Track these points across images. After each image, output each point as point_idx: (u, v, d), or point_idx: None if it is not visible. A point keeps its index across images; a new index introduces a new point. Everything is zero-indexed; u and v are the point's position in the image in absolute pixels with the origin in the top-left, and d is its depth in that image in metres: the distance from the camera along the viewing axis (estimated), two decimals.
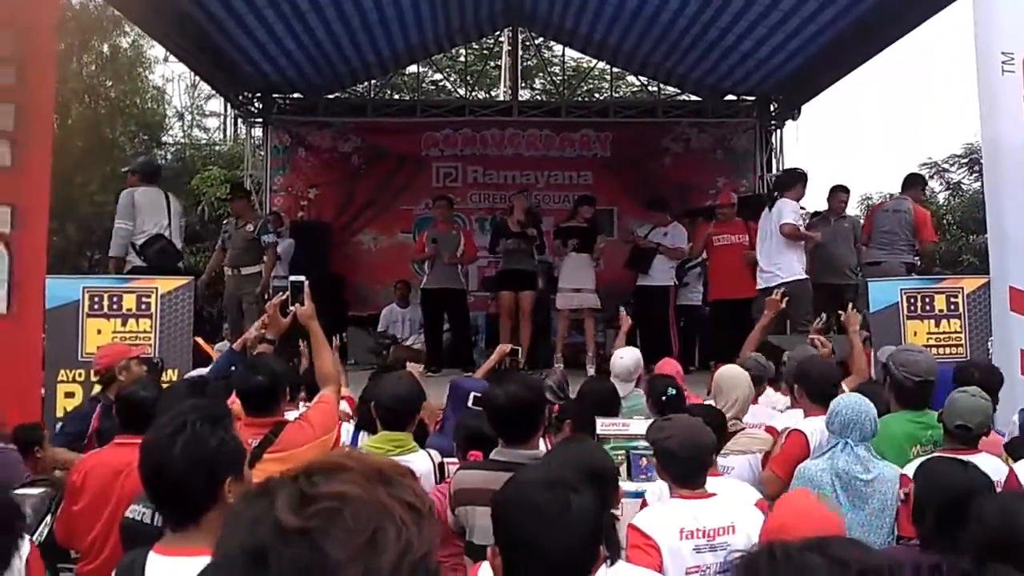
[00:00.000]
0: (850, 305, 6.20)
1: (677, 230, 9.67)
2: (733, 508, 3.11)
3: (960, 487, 2.76)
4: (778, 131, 12.66)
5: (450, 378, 7.30)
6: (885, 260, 8.17)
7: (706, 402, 4.69)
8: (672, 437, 3.18)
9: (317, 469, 0.98)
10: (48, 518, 4.00)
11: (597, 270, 9.37)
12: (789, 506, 2.76)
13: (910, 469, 3.58)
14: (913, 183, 8.80)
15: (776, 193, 8.59)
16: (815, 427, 4.06)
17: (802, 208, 10.26)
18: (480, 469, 3.32)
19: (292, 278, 4.32)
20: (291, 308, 4.19)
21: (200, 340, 6.72)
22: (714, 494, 3.14)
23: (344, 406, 4.98)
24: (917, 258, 8.49)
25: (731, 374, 4.69)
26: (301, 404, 4.68)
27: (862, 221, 9.67)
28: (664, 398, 4.58)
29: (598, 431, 4.31)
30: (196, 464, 2.09)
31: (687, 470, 3.14)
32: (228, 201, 9.69)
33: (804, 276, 7.92)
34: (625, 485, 3.70)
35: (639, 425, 4.40)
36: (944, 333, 6.55)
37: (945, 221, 20.58)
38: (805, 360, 4.78)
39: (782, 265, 7.88)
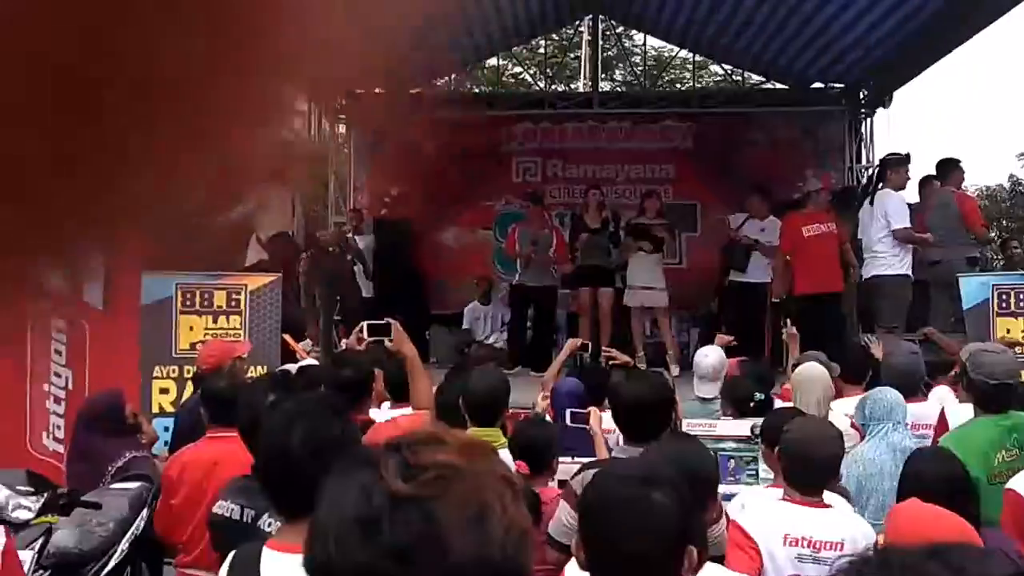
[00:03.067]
0: None
1: (774, 225, 9.27)
2: (847, 525, 2.99)
3: None
4: (868, 120, 12.26)
5: (523, 376, 7.30)
6: (943, 258, 7.86)
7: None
8: (800, 436, 3.09)
9: (416, 440, 0.98)
10: (145, 511, 4.12)
11: (680, 268, 9.23)
12: (905, 513, 2.62)
13: (1019, 483, 3.44)
14: (949, 171, 8.34)
15: (879, 183, 8.26)
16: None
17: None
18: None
19: (369, 324, 4.28)
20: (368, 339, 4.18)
21: (288, 337, 6.84)
22: (829, 506, 3.04)
23: None
24: (978, 251, 8.14)
25: (808, 375, 4.51)
26: (385, 406, 4.69)
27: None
28: (752, 404, 4.44)
29: (683, 431, 4.23)
30: (316, 451, 2.03)
31: (808, 475, 3.04)
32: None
33: (904, 272, 7.57)
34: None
35: (726, 426, 4.32)
36: None
37: None
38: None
39: (883, 257, 7.60)
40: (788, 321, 6.24)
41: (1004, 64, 41.15)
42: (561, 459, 3.73)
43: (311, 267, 9.71)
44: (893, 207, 7.64)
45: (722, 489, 3.67)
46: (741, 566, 2.86)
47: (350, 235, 10.45)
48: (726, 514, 3.14)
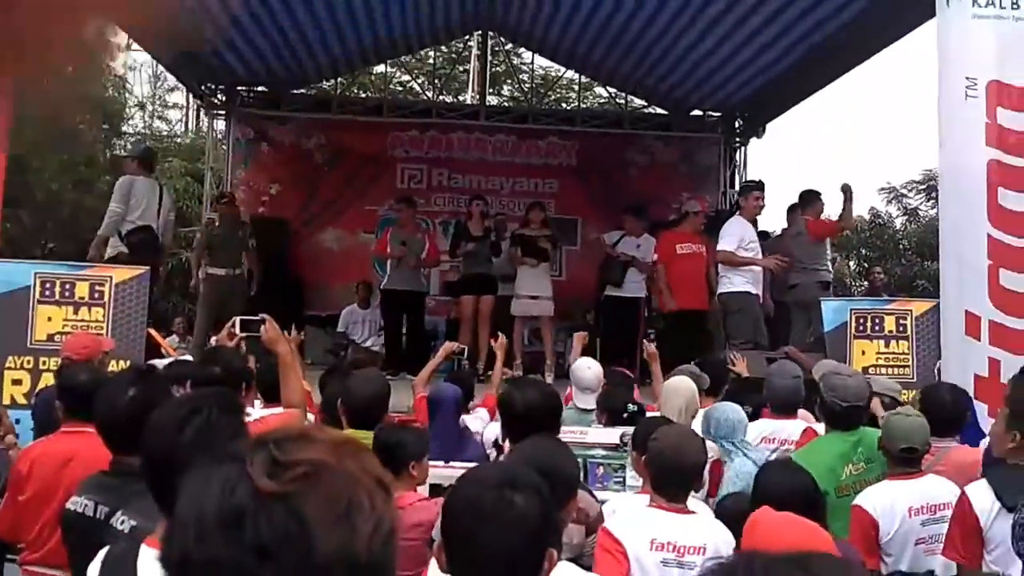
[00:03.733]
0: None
1: (649, 243, 9.56)
2: (709, 530, 3.08)
3: None
4: (743, 148, 12.79)
5: (405, 381, 7.26)
6: (799, 282, 8.32)
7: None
8: (667, 444, 3.15)
9: (285, 437, 0.96)
10: None
11: (560, 280, 9.39)
12: (763, 522, 2.73)
13: (866, 500, 3.63)
14: (809, 201, 8.78)
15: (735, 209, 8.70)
16: None
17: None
18: None
19: (242, 319, 4.25)
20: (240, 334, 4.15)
21: (153, 332, 6.60)
22: (694, 512, 3.12)
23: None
24: (830, 276, 8.76)
25: (673, 385, 4.67)
26: (257, 403, 4.58)
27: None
28: (625, 415, 4.54)
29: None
30: (207, 452, 1.97)
31: (672, 481, 3.11)
32: (221, 204, 10.09)
33: (744, 290, 7.91)
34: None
35: (596, 434, 4.40)
36: (892, 353, 6.65)
37: (901, 246, 20.92)
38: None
39: (727, 277, 7.97)
40: (646, 340, 6.43)
41: (870, 102, 43.56)
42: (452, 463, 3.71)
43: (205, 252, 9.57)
44: (724, 231, 8.08)
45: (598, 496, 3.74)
46: (610, 570, 2.93)
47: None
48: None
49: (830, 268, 8.92)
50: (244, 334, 4.23)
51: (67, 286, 6.18)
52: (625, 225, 9.82)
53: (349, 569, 0.89)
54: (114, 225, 7.88)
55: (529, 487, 1.90)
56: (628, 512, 3.25)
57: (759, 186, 8.61)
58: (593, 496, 3.46)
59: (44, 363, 5.93)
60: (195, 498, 0.92)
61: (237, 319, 4.32)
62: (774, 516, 2.67)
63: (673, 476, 3.12)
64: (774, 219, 13.05)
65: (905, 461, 3.70)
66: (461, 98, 17.19)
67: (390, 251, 9.40)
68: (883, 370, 6.46)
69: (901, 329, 6.71)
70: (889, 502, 3.61)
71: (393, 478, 3.25)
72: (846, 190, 8.24)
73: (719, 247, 7.96)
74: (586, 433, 4.39)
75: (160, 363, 5.15)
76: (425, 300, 10.05)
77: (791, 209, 9.71)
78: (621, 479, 4.27)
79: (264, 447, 0.94)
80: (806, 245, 8.38)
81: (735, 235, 7.93)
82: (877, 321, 6.66)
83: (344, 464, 0.94)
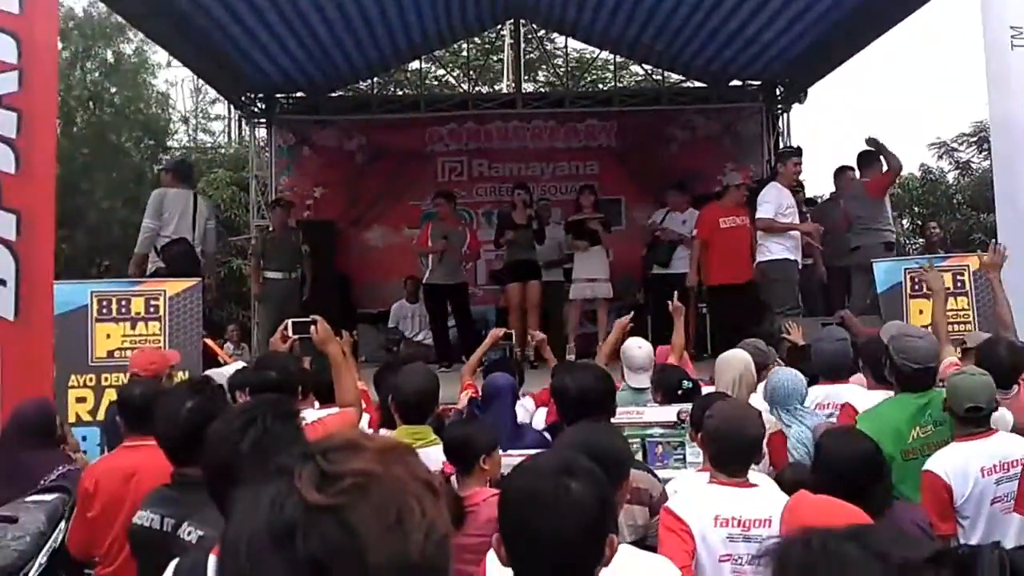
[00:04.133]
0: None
1: (694, 217, 9.41)
2: (773, 502, 3.02)
3: None
4: (785, 115, 12.58)
5: (453, 372, 7.28)
6: (862, 244, 8.09)
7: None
8: (722, 420, 3.13)
9: (331, 447, 0.95)
10: (63, 524, 3.98)
11: (609, 261, 9.35)
12: (809, 503, 2.68)
13: (936, 464, 3.55)
14: (869, 161, 8.49)
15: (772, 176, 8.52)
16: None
17: (797, 188, 10.19)
18: None
19: (294, 321, 4.31)
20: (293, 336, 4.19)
21: (210, 341, 6.70)
22: (755, 485, 3.09)
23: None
24: (894, 236, 8.44)
25: (725, 359, 4.63)
26: (316, 405, 4.62)
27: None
28: (680, 392, 4.49)
29: (613, 419, 4.25)
30: (266, 455, 1.94)
31: (731, 456, 3.08)
32: (279, 208, 10.20)
33: (782, 257, 7.76)
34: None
35: (653, 412, 4.36)
36: (952, 310, 6.48)
37: (955, 200, 20.44)
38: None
39: (765, 245, 7.83)
40: (676, 295, 6.19)
41: (914, 58, 42.55)
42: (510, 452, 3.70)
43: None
44: (761, 198, 7.89)
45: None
46: (675, 549, 2.90)
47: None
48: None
49: (892, 228, 8.64)
50: (296, 336, 4.28)
51: (123, 303, 6.30)
52: (668, 201, 9.80)
53: None
54: (149, 241, 7.83)
55: (585, 473, 1.89)
56: (690, 490, 3.22)
57: (797, 152, 8.46)
58: (655, 476, 3.44)
59: (106, 379, 6.05)
60: (245, 516, 0.92)
61: (289, 322, 4.36)
62: (812, 499, 2.65)
63: (731, 451, 3.09)
64: (821, 184, 12.87)
65: (972, 421, 3.62)
66: (497, 88, 17.18)
67: (432, 245, 9.43)
68: None
69: (959, 285, 6.55)
70: (961, 464, 3.53)
71: (461, 475, 3.31)
72: (871, 142, 8.03)
73: (758, 215, 7.81)
74: (642, 413, 4.36)
75: (217, 372, 5.23)
76: (468, 291, 10.06)
77: (838, 173, 9.53)
78: (681, 456, 4.24)
79: (311, 459, 0.93)
80: (867, 205, 8.17)
81: (773, 202, 7.77)
82: (938, 280, 6.49)
83: (392, 471, 0.93)
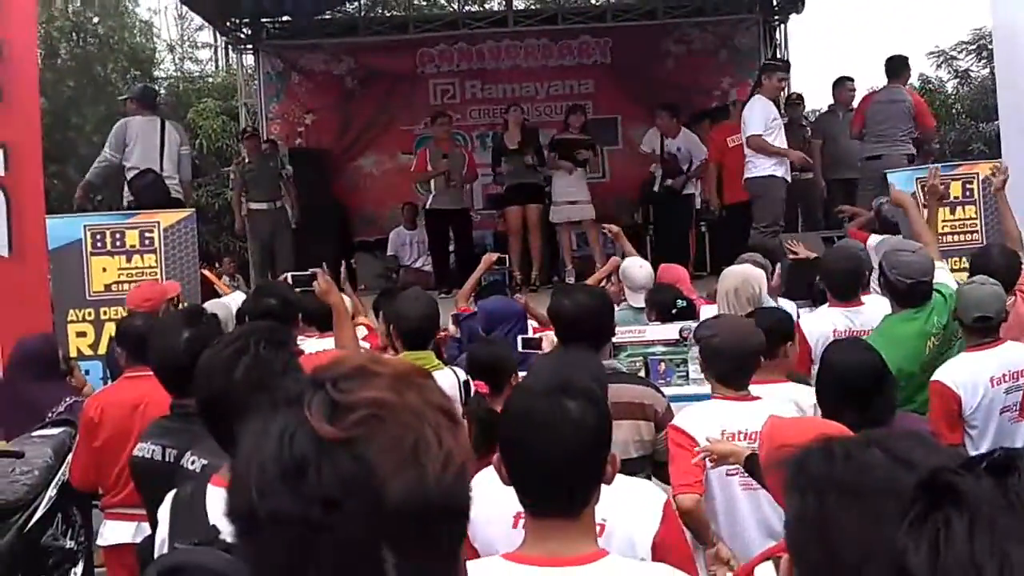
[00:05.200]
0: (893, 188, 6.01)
1: (692, 143, 9.31)
2: (778, 413, 3.05)
3: None
4: (782, 26, 12.33)
5: (452, 298, 7.26)
6: (885, 153, 7.78)
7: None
8: (718, 335, 3.14)
9: (343, 374, 0.90)
10: (70, 457, 4.01)
11: (604, 181, 9.24)
12: (788, 424, 2.70)
13: (945, 374, 3.53)
14: (901, 69, 8.21)
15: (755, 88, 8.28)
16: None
17: (797, 101, 10.00)
18: None
19: (293, 275, 4.28)
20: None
21: (208, 272, 6.66)
22: (758, 397, 3.10)
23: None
24: (914, 148, 8.06)
25: (724, 273, 4.56)
26: (314, 337, 4.61)
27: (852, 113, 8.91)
28: (674, 311, 4.48)
29: (614, 339, 4.24)
30: (260, 384, 1.93)
31: (730, 369, 3.10)
32: (244, 139, 10.04)
33: (768, 173, 7.53)
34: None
35: (655, 331, 4.36)
36: (959, 220, 6.42)
37: (954, 110, 20.20)
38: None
39: (752, 161, 7.59)
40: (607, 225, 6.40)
41: None
42: None
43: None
44: (747, 114, 7.64)
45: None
46: (685, 466, 2.95)
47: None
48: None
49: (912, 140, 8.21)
50: (299, 289, 4.25)
51: (117, 236, 6.25)
52: (658, 122, 9.49)
53: (422, 510, 0.85)
54: (102, 171, 7.43)
55: (582, 392, 1.87)
56: (695, 406, 3.24)
57: (784, 68, 8.23)
58: (660, 392, 3.44)
59: (105, 313, 6.03)
60: (254, 449, 0.88)
61: (289, 275, 4.34)
62: (790, 420, 2.67)
63: (730, 364, 3.11)
64: (820, 96, 12.69)
65: (981, 331, 3.61)
66: (487, 6, 16.79)
67: (432, 168, 9.28)
68: (952, 238, 6.25)
69: (968, 194, 6.47)
70: (969, 374, 3.54)
71: (492, 394, 3.33)
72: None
73: (748, 132, 7.51)
74: (644, 331, 4.37)
75: (218, 302, 5.21)
76: (471, 216, 9.96)
77: (836, 84, 9.38)
78: (684, 373, 4.25)
79: (321, 387, 0.88)
80: (903, 115, 7.84)
81: (760, 117, 7.51)
82: (944, 188, 6.41)
83: (407, 399, 0.89)
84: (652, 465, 3.22)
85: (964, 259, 4.83)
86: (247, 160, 9.87)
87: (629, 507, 2.15)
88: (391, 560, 0.84)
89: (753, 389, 3.15)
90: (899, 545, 0.73)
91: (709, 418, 3.04)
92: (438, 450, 0.87)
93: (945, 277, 4.21)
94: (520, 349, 4.25)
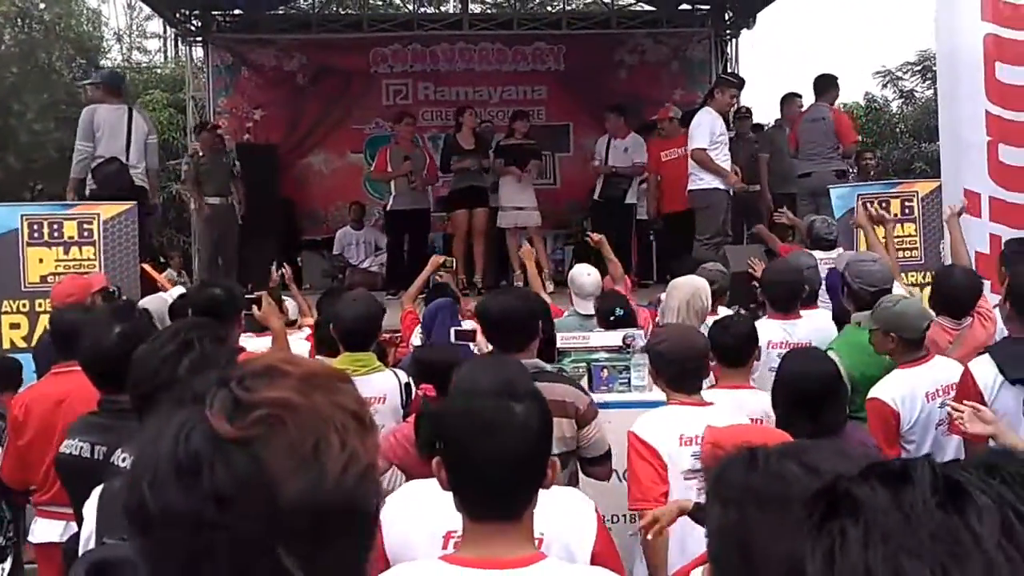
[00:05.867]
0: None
1: (637, 143, 9.42)
2: (731, 419, 3.09)
3: None
4: (733, 40, 12.50)
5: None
6: (814, 171, 8.00)
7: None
8: (665, 341, 3.20)
9: (250, 373, 0.89)
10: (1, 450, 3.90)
11: (554, 187, 9.27)
12: (729, 432, 2.74)
13: (883, 391, 3.59)
14: (826, 87, 8.38)
15: (705, 101, 8.41)
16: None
17: (746, 115, 10.14)
18: None
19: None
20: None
21: (148, 267, 6.53)
22: (711, 403, 3.16)
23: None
24: (846, 164, 8.30)
25: (672, 285, 4.63)
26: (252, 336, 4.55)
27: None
28: (612, 318, 4.53)
29: (558, 345, 4.25)
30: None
31: (678, 373, 3.16)
32: (206, 133, 9.74)
33: (712, 186, 7.65)
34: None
35: (598, 337, 4.38)
36: (898, 237, 6.58)
37: (898, 129, 20.65)
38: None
39: (696, 174, 7.71)
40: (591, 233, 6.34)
41: None
42: None
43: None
44: (695, 127, 7.75)
45: (597, 398, 3.75)
46: (646, 475, 3.00)
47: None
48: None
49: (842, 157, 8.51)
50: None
51: (55, 226, 6.11)
52: (607, 124, 9.63)
53: (318, 511, 0.84)
54: (84, 164, 7.21)
55: (527, 394, 1.87)
56: (652, 413, 3.27)
57: (737, 85, 8.35)
58: (582, 390, 3.44)
59: (40, 305, 5.90)
60: (151, 446, 0.87)
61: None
62: (732, 428, 2.71)
63: (677, 368, 3.17)
64: (768, 111, 12.86)
65: (916, 346, 3.67)
66: (443, 8, 16.74)
67: (392, 169, 9.21)
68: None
69: (907, 211, 6.66)
70: (908, 390, 3.60)
71: (440, 396, 3.30)
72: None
73: (692, 145, 7.65)
74: (588, 338, 4.38)
75: (150, 298, 5.11)
76: (430, 216, 9.88)
77: (785, 99, 9.52)
78: (626, 380, 4.27)
79: (225, 386, 0.87)
80: (826, 133, 8.03)
81: (707, 130, 7.63)
82: (884, 205, 6.54)
83: (313, 400, 0.88)
84: (579, 460, 3.23)
85: (905, 275, 4.93)
86: (200, 155, 9.70)
87: (564, 520, 2.13)
88: (290, 561, 0.83)
89: (717, 394, 3.20)
90: (797, 553, 0.74)
91: (666, 424, 3.09)
92: (340, 452, 0.86)
93: (903, 292, 4.34)
94: (453, 340, 4.26)
